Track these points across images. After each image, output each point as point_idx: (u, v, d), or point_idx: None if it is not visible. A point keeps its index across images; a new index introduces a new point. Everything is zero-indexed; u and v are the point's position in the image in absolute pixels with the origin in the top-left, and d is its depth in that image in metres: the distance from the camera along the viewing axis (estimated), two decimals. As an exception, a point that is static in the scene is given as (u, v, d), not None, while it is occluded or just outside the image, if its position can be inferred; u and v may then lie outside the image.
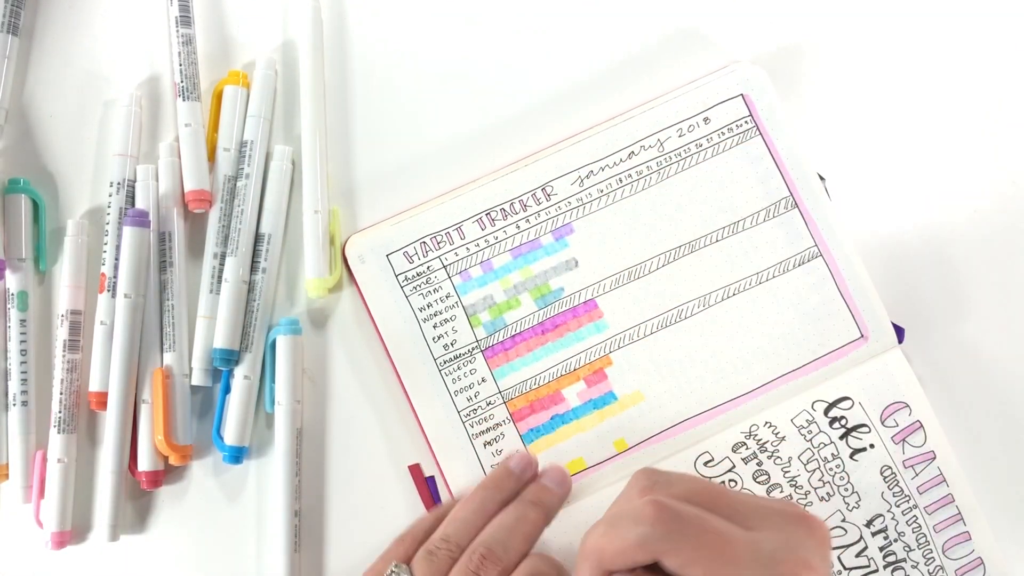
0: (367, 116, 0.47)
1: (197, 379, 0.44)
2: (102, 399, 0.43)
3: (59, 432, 0.43)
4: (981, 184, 0.47)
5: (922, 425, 0.44)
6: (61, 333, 0.44)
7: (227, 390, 0.44)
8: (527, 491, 0.40)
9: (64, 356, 0.44)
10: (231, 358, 0.44)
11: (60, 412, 0.43)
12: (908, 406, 0.44)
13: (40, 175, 0.46)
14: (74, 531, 0.44)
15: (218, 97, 0.46)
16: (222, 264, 0.44)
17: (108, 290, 0.44)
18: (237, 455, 0.44)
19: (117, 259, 0.44)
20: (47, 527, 0.43)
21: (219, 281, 0.44)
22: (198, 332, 0.44)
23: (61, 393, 0.44)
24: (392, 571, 0.37)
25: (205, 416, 0.45)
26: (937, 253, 0.46)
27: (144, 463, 0.43)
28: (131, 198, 0.45)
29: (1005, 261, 0.46)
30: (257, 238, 0.45)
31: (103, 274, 0.44)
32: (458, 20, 0.47)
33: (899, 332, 0.45)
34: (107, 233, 0.44)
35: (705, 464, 0.44)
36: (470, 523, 0.38)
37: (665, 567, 0.31)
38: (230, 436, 0.44)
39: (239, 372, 0.44)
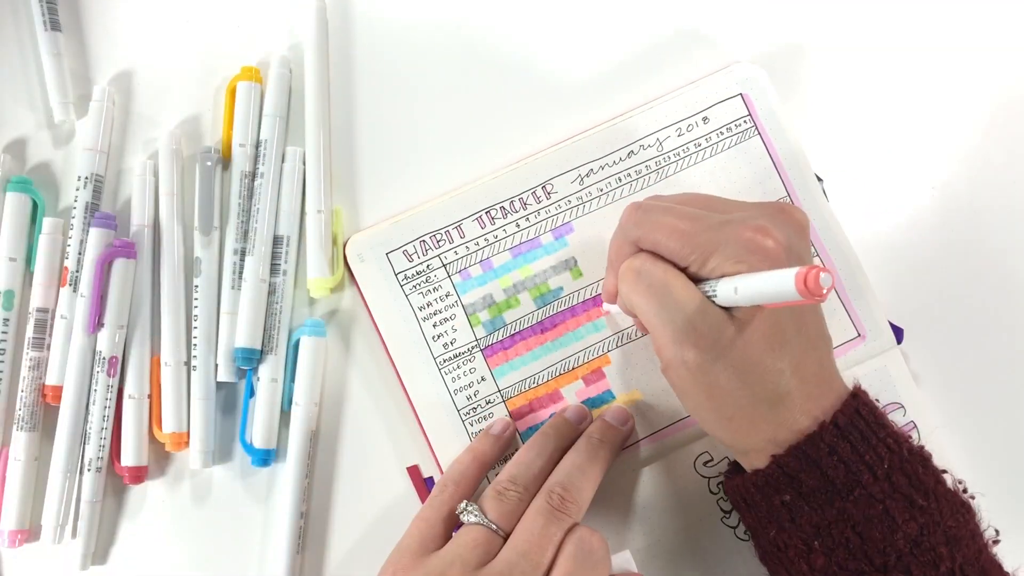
0: (369, 116, 0.47)
1: (223, 375, 0.44)
2: (58, 393, 0.44)
3: (19, 430, 0.44)
4: (981, 183, 0.47)
5: (916, 426, 0.44)
6: (27, 330, 0.44)
7: (251, 392, 0.44)
8: (593, 428, 0.41)
9: (27, 353, 0.44)
10: (253, 356, 0.44)
11: (20, 410, 0.44)
12: (903, 407, 0.44)
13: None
14: (32, 530, 0.44)
15: (232, 93, 0.46)
16: (242, 260, 0.44)
17: (70, 284, 0.44)
18: (265, 458, 0.44)
19: (80, 253, 0.44)
20: (3, 525, 0.43)
21: (240, 277, 0.44)
22: (221, 329, 0.44)
23: (22, 391, 0.44)
24: (465, 509, 0.37)
25: (226, 415, 0.45)
26: (936, 253, 0.47)
27: (128, 458, 0.44)
28: (98, 193, 0.45)
29: (1004, 261, 0.47)
30: (275, 240, 0.45)
31: (66, 268, 0.44)
32: (459, 22, 0.47)
33: (898, 333, 0.45)
34: (72, 228, 0.44)
35: (705, 464, 0.44)
36: (535, 466, 0.39)
37: (647, 250, 0.37)
38: (258, 439, 0.44)
39: (265, 374, 0.44)
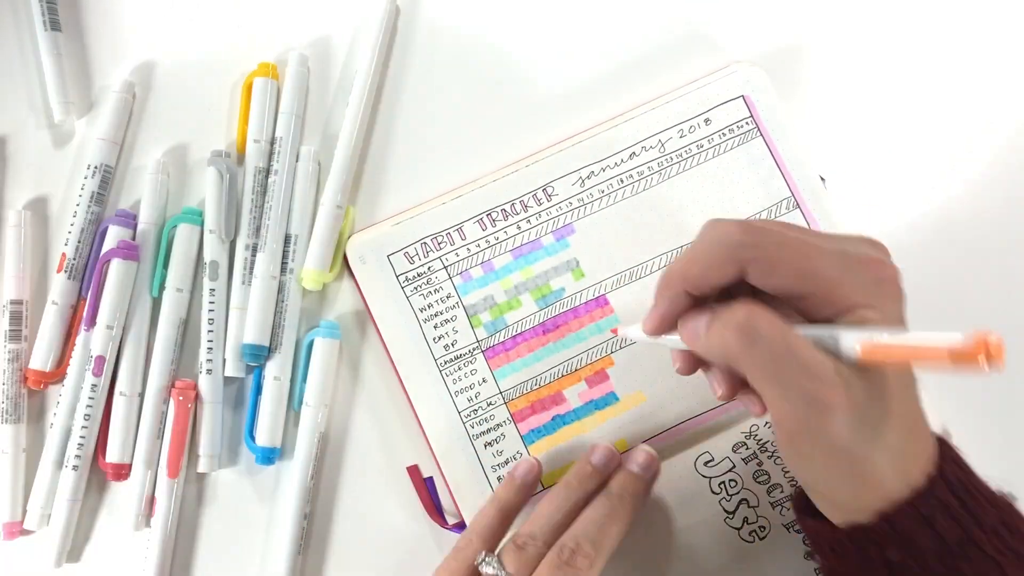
0: (368, 116, 0.47)
1: (230, 370, 0.44)
2: (39, 378, 0.44)
3: (4, 422, 0.44)
4: (981, 184, 0.47)
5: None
6: (2, 324, 0.44)
7: (258, 390, 0.44)
8: (615, 481, 0.39)
9: (5, 346, 0.44)
10: (261, 353, 0.44)
11: (3, 402, 0.44)
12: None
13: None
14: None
15: (248, 89, 0.46)
16: (253, 256, 0.44)
17: (65, 271, 0.44)
18: (269, 456, 0.44)
19: (80, 242, 0.44)
20: None
21: (251, 273, 0.44)
22: (230, 324, 0.44)
23: (3, 383, 0.44)
24: (483, 560, 0.36)
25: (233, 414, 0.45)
26: (937, 253, 0.47)
27: (113, 455, 0.43)
28: (105, 183, 0.45)
29: (1005, 261, 0.47)
30: (286, 239, 0.45)
31: (63, 254, 0.44)
32: (458, 23, 0.47)
33: (899, 333, 0.45)
34: (75, 215, 0.45)
35: (706, 464, 0.44)
36: (556, 521, 0.38)
37: (751, 278, 0.32)
38: (263, 437, 0.44)
39: (269, 373, 0.44)
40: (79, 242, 0.44)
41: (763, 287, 0.32)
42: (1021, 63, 0.48)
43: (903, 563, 0.31)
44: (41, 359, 0.44)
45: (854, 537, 0.32)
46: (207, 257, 0.44)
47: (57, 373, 0.44)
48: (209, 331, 0.44)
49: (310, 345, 0.44)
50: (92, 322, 0.43)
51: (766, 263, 0.31)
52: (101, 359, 0.43)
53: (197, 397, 0.44)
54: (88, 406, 0.43)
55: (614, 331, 0.43)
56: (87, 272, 0.45)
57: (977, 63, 0.48)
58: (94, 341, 0.43)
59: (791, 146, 0.45)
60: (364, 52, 0.46)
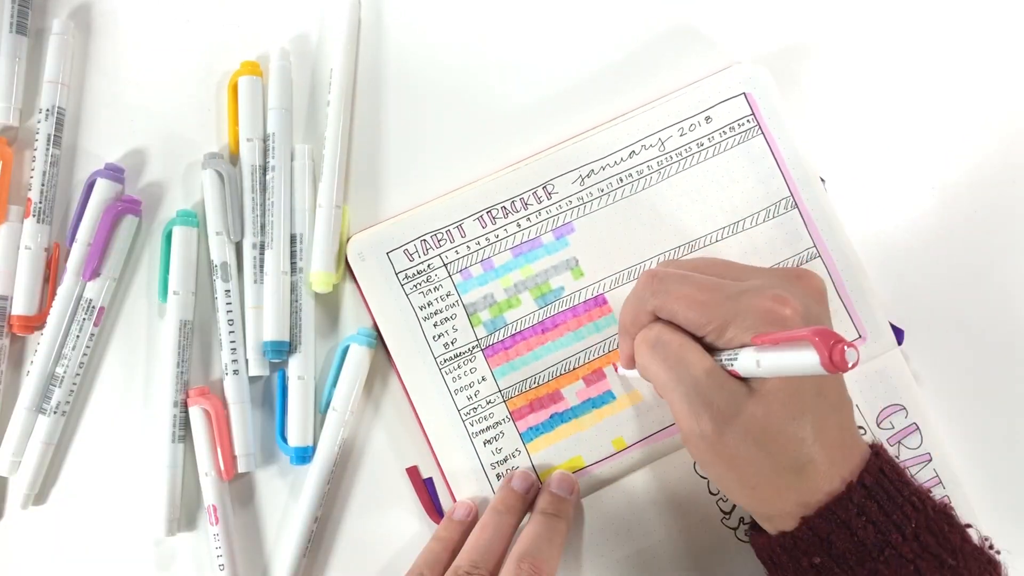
0: (369, 116, 0.47)
1: (254, 370, 0.44)
2: (25, 323, 0.44)
3: None
4: (981, 184, 0.47)
5: (918, 427, 0.44)
6: None
7: (283, 391, 0.44)
8: (544, 503, 0.42)
9: None
10: (282, 349, 0.44)
11: None
12: (904, 408, 0.44)
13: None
14: None
15: (234, 88, 0.46)
16: (262, 254, 0.45)
17: (34, 215, 0.44)
18: (303, 455, 0.44)
19: (44, 185, 0.45)
20: None
21: (261, 271, 0.45)
22: (248, 323, 0.44)
23: None
24: None
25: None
26: (937, 253, 0.47)
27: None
28: (60, 125, 0.45)
29: (1005, 262, 0.47)
30: (292, 238, 0.45)
31: (29, 199, 0.45)
32: (459, 22, 0.47)
33: (898, 334, 0.45)
34: (35, 160, 0.45)
35: (703, 464, 0.44)
36: (494, 548, 0.39)
37: (664, 318, 0.36)
38: (294, 437, 0.44)
39: (293, 373, 0.44)
40: (43, 185, 0.45)
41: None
42: (1020, 63, 0.47)
43: (825, 566, 0.34)
44: (24, 304, 0.44)
45: (784, 544, 0.35)
46: (216, 259, 0.44)
47: (41, 317, 0.45)
48: (230, 332, 0.44)
49: (344, 350, 0.44)
50: (95, 273, 0.44)
51: (666, 313, 0.36)
52: (103, 309, 0.44)
53: (223, 401, 0.44)
54: (84, 354, 0.44)
55: (615, 366, 0.45)
56: (75, 221, 0.45)
57: (976, 63, 0.47)
58: (95, 291, 0.44)
59: (791, 145, 0.45)
60: (336, 50, 0.46)
